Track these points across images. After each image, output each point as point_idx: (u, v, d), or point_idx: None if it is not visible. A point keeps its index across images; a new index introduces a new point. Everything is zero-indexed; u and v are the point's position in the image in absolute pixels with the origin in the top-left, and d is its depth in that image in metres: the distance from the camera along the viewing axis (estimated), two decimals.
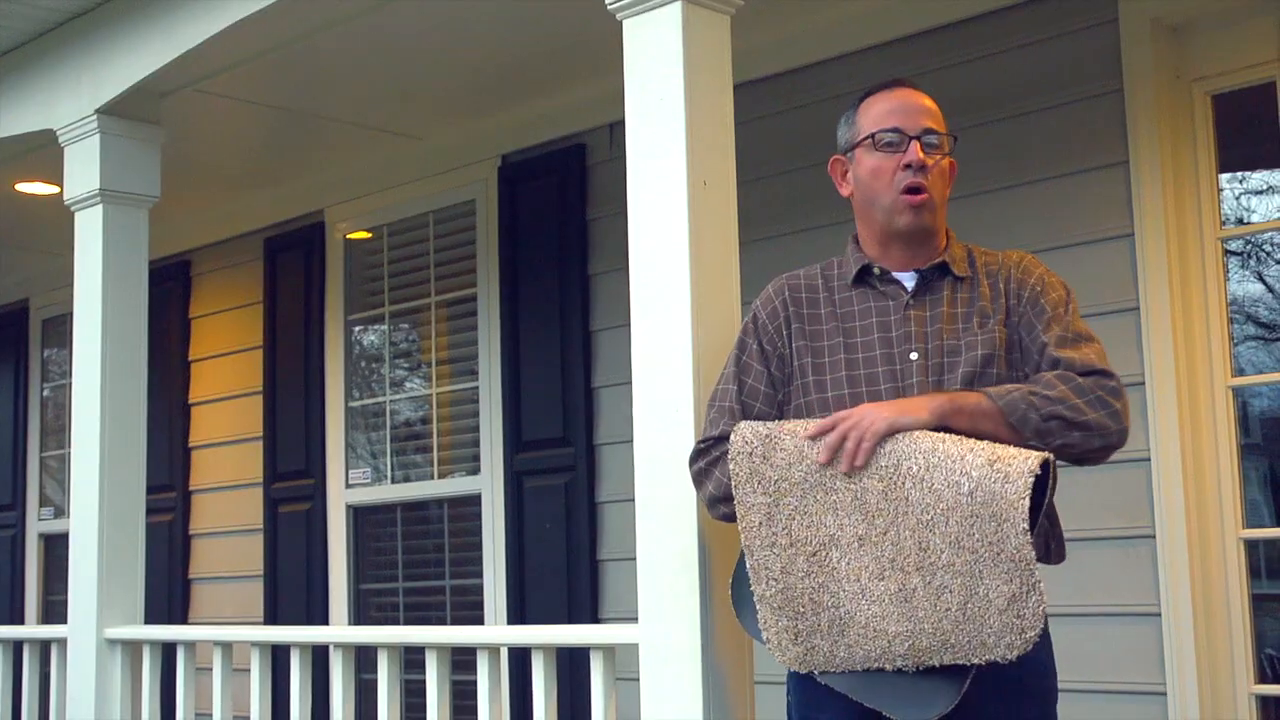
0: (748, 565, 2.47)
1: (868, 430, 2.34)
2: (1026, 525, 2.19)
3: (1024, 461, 2.22)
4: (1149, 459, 3.62)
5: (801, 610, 2.38)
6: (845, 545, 2.35)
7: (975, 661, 2.26)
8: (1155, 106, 3.72)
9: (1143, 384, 3.66)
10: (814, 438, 2.39)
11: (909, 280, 2.58)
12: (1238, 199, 3.82)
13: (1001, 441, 2.33)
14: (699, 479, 2.65)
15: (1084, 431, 2.37)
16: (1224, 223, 3.73)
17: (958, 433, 2.34)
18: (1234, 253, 3.78)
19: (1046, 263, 2.68)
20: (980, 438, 2.33)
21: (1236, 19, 3.69)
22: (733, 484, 2.46)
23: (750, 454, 2.44)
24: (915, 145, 2.56)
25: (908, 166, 2.55)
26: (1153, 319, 3.68)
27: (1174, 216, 3.70)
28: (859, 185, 2.64)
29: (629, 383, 3.00)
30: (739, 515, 2.46)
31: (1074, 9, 3.90)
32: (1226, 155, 3.73)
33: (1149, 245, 3.70)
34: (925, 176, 2.55)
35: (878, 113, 2.61)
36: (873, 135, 2.59)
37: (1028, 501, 2.19)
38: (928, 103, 2.63)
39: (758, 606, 2.44)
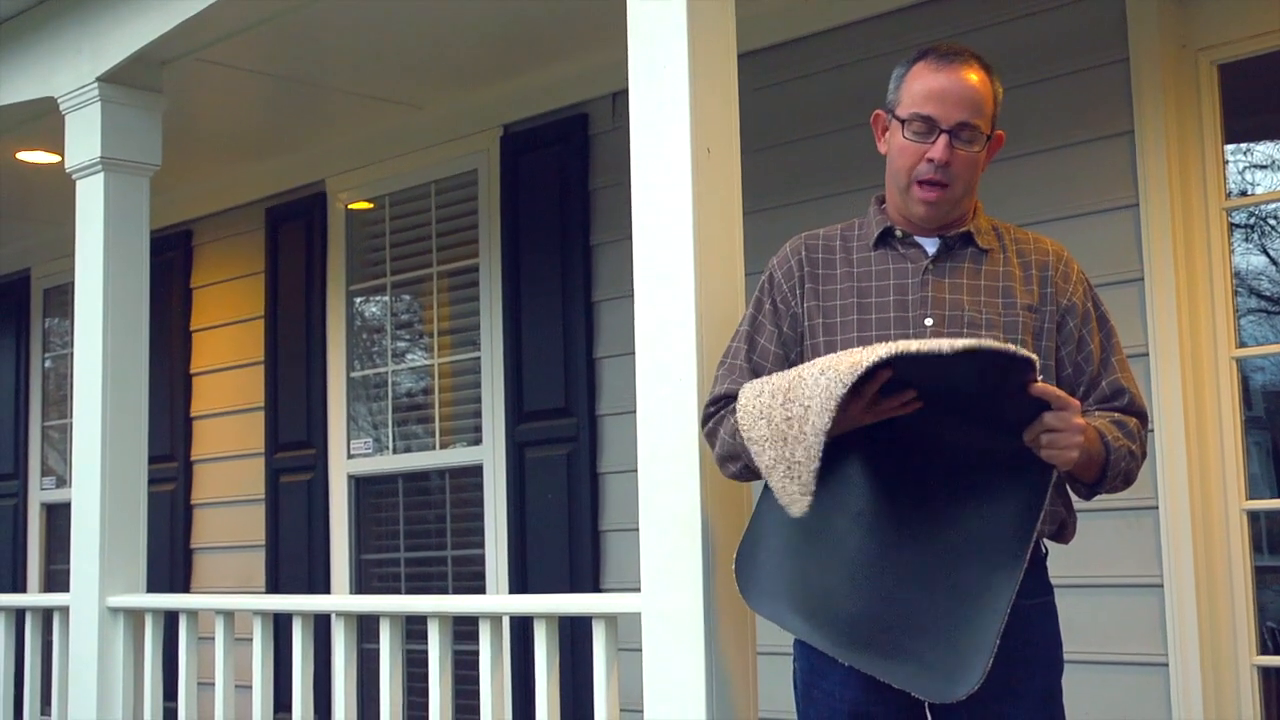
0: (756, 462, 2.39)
1: (1070, 443, 2.27)
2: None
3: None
4: (1152, 430, 3.59)
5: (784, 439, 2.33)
6: (809, 376, 2.30)
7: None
8: (1160, 76, 3.70)
9: (1147, 355, 3.65)
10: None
11: (931, 245, 2.55)
12: (1242, 172, 3.80)
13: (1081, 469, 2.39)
14: (708, 439, 2.66)
15: (1125, 484, 2.51)
16: (1229, 194, 3.72)
17: None
18: (1238, 225, 3.77)
19: (1051, 232, 2.67)
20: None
21: None
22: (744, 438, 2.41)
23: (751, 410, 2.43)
24: (943, 140, 2.48)
25: (930, 161, 2.48)
26: (1157, 290, 3.67)
27: (1179, 187, 3.69)
28: (889, 153, 2.59)
29: (631, 353, 2.99)
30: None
31: None
32: (1232, 126, 3.71)
33: (1153, 216, 3.69)
34: (947, 174, 2.49)
35: (918, 92, 2.50)
36: (904, 120, 2.51)
37: (958, 344, 2.16)
38: (975, 89, 2.50)
39: (768, 479, 2.36)
